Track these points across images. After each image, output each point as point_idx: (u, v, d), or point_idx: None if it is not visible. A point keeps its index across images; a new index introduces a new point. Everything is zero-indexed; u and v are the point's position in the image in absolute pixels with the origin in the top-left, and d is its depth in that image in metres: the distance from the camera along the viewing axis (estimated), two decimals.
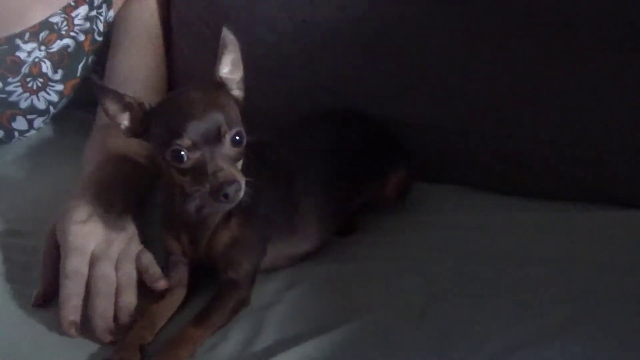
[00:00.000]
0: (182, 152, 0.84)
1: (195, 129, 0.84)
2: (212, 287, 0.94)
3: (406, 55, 1.12)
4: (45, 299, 0.94)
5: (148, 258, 0.97)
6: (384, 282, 0.95)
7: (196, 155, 0.84)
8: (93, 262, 0.94)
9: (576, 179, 1.10)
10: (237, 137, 0.86)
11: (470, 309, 0.90)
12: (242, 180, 0.84)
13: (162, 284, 0.94)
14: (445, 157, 1.15)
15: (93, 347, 0.88)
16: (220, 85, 0.90)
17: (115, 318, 0.92)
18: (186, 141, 0.83)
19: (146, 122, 0.89)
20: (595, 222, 1.05)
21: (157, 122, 0.88)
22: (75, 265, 0.93)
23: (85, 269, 0.93)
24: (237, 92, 0.92)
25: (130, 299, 0.94)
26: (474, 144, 1.13)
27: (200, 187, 0.83)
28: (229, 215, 0.92)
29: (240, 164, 0.86)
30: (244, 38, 0.92)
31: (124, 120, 0.90)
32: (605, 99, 1.07)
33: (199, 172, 0.83)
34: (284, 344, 0.86)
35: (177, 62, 1.25)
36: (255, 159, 0.92)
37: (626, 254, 0.99)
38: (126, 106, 0.89)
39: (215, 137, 0.84)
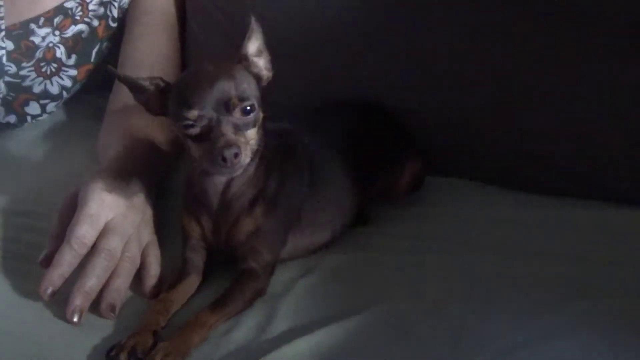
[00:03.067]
0: (191, 122, 0.85)
1: (202, 100, 0.85)
2: (227, 274, 0.94)
3: (419, 50, 1.13)
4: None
5: (155, 254, 0.97)
6: (397, 274, 0.95)
7: (204, 122, 0.85)
8: (104, 234, 0.92)
9: (587, 176, 1.10)
10: (248, 108, 0.86)
11: (482, 303, 0.90)
12: (244, 146, 0.84)
13: (150, 289, 0.94)
14: (457, 151, 1.15)
15: (106, 331, 0.88)
16: (240, 60, 0.91)
17: (97, 298, 0.90)
18: (193, 112, 0.85)
19: (164, 98, 0.90)
20: (606, 220, 1.05)
21: (172, 95, 0.89)
22: (83, 234, 0.91)
23: (91, 240, 0.92)
24: (264, 72, 0.93)
25: (124, 284, 0.92)
26: (486, 139, 1.13)
27: (203, 152, 0.85)
28: (253, 203, 0.93)
29: (253, 132, 0.87)
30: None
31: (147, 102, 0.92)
32: (616, 95, 1.07)
33: (205, 139, 0.85)
34: (297, 332, 0.86)
35: (191, 49, 1.25)
36: (278, 147, 0.93)
37: (635, 251, 0.99)
38: (142, 88, 0.91)
39: (224, 107, 0.85)
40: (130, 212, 0.96)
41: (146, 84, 0.90)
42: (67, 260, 0.90)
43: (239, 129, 0.85)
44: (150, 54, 1.20)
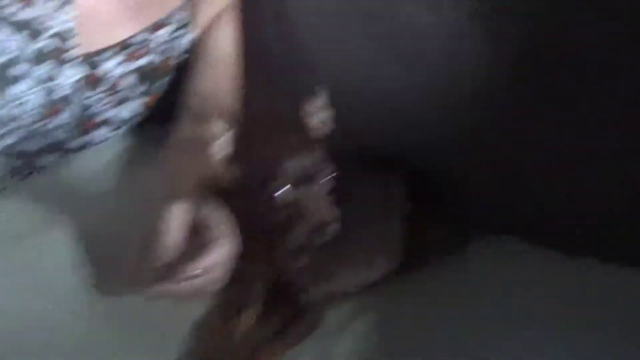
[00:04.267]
0: (277, 192, 0.90)
1: (289, 170, 0.90)
2: (283, 308, 0.98)
3: (454, 108, 1.16)
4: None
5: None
6: (445, 327, 0.99)
7: (291, 195, 0.90)
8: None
9: (606, 237, 1.12)
10: (327, 176, 0.92)
11: None
12: (334, 215, 0.89)
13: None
14: (502, 208, 1.18)
15: None
16: (308, 124, 0.96)
17: None
18: (281, 181, 0.89)
19: (236, 155, 0.96)
20: (623, 284, 1.06)
21: (249, 159, 0.95)
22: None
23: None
24: (320, 131, 0.98)
25: None
26: (507, 196, 1.16)
27: (296, 226, 0.89)
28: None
29: (329, 198, 0.92)
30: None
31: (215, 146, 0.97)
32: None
33: (293, 210, 0.89)
34: None
35: (252, 92, 1.27)
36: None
37: None
38: (214, 135, 0.96)
39: (308, 177, 0.90)
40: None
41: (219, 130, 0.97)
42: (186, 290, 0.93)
43: (323, 197, 0.91)
44: (213, 92, 1.26)
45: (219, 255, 0.93)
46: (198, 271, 0.93)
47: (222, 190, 1.08)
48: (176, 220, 0.95)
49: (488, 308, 1.03)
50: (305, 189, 0.89)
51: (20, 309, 0.99)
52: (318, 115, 0.97)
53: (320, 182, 0.90)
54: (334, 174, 0.91)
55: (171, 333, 0.97)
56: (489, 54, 1.12)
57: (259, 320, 1.00)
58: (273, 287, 1.01)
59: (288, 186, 0.88)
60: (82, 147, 1.32)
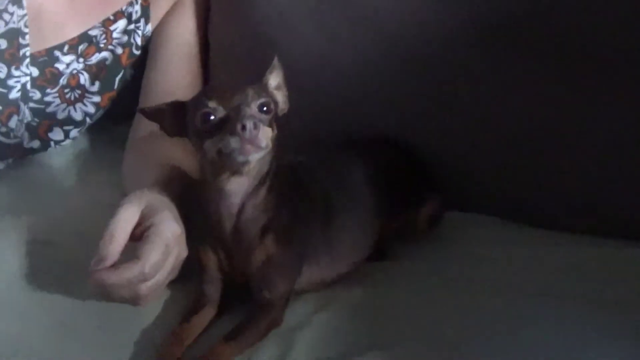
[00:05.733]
0: (210, 114, 0.86)
1: (222, 94, 0.87)
2: (242, 306, 0.95)
3: (442, 87, 1.13)
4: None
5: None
6: (414, 312, 0.95)
7: (222, 113, 0.86)
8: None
9: (607, 214, 1.10)
10: (265, 107, 0.88)
11: (503, 345, 0.88)
12: (263, 124, 0.85)
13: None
14: (476, 186, 1.15)
15: None
16: (261, 84, 0.93)
17: None
18: (213, 103, 0.86)
19: (181, 116, 0.92)
20: (625, 259, 1.04)
21: (190, 105, 0.91)
22: (157, 262, 0.88)
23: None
24: (280, 105, 0.95)
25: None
26: (505, 175, 1.13)
27: (221, 138, 0.84)
28: (264, 232, 0.92)
29: (268, 131, 0.86)
30: (281, 62, 0.95)
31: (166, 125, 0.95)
32: (637, 136, 1.06)
33: (224, 126, 0.85)
34: None
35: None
36: (292, 179, 0.94)
37: None
38: (161, 112, 0.94)
39: (242, 101, 0.86)
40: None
41: (164, 107, 0.94)
42: (128, 278, 0.86)
43: (257, 121, 0.85)
44: (173, 84, 1.21)
45: (157, 260, 0.88)
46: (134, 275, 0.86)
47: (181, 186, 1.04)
48: (123, 221, 0.89)
49: (451, 286, 1.00)
50: (237, 108, 0.85)
51: None
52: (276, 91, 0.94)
53: (253, 105, 0.86)
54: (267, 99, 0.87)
55: (125, 336, 0.92)
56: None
57: (216, 319, 0.96)
58: (231, 285, 0.97)
59: (216, 103, 0.85)
60: (40, 150, 1.27)
